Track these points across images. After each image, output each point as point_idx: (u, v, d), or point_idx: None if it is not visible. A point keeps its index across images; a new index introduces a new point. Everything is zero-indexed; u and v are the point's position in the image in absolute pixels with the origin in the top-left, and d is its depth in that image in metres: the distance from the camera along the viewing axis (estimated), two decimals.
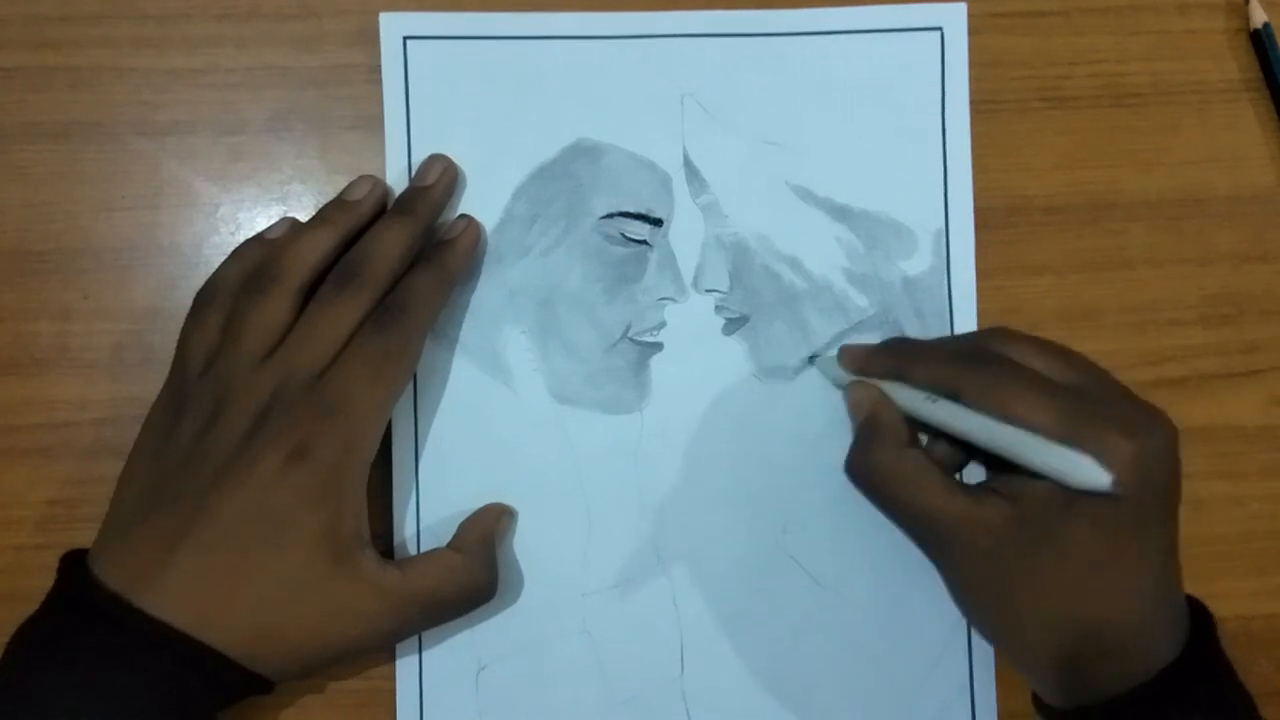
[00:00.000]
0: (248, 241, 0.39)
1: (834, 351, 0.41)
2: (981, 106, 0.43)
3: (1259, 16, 0.43)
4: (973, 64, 0.43)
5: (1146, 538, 0.33)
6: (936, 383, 0.36)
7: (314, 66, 0.42)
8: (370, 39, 0.42)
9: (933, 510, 0.35)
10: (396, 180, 0.41)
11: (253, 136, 0.42)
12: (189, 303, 0.40)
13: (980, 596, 0.35)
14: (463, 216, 0.41)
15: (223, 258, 0.41)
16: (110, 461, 0.37)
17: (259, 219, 0.42)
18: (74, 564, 0.35)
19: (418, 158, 0.41)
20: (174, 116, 0.41)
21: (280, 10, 0.42)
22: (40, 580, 0.36)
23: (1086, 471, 0.32)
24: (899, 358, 0.38)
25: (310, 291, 0.37)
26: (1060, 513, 0.33)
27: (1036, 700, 0.37)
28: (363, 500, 0.36)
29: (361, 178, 0.40)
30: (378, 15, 0.41)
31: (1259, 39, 0.43)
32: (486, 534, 0.39)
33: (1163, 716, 0.33)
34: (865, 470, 0.37)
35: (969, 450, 0.38)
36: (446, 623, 0.39)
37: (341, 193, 0.40)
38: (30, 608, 0.35)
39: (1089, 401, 0.34)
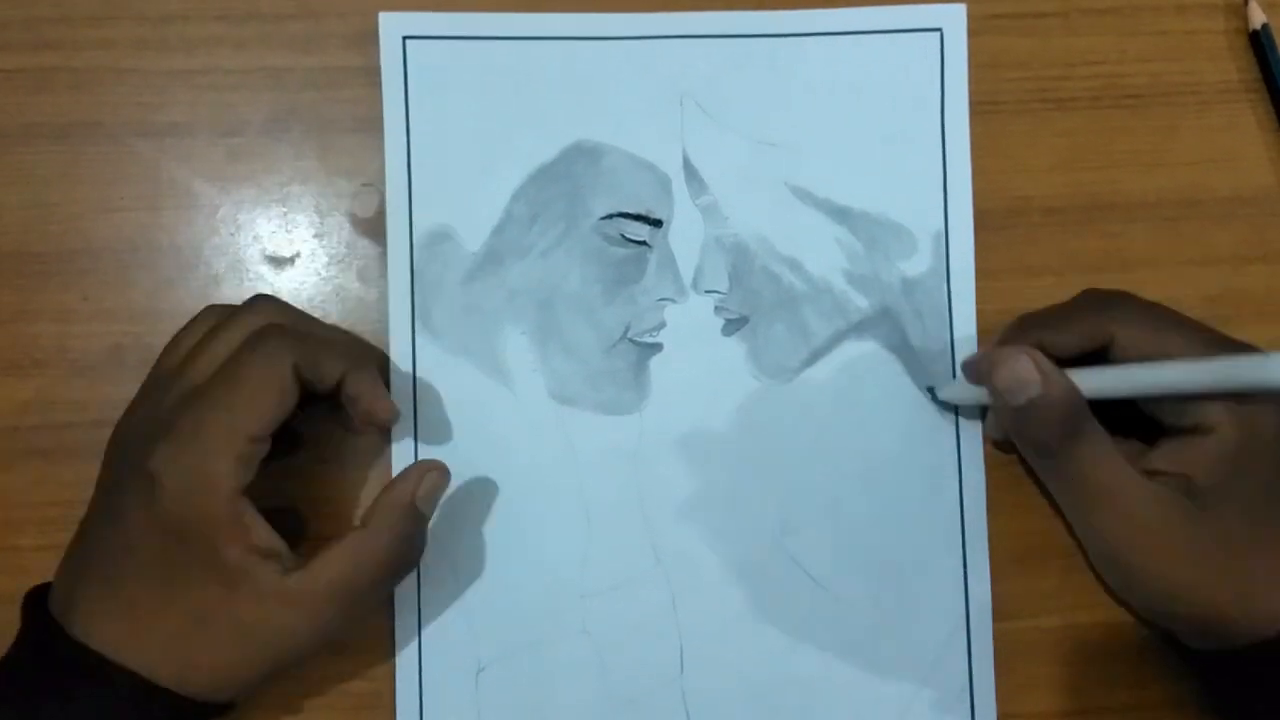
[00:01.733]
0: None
1: (954, 379, 0.41)
2: (981, 107, 0.43)
3: (1258, 17, 0.43)
4: (972, 65, 0.43)
5: None
6: (1087, 337, 0.36)
7: (313, 68, 0.42)
8: (370, 40, 0.42)
9: (1113, 484, 0.35)
10: (396, 182, 0.41)
11: (252, 138, 0.42)
12: (188, 304, 0.40)
13: (1142, 567, 0.35)
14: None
15: (222, 258, 0.41)
16: None
17: (258, 220, 0.42)
18: (33, 597, 0.35)
19: (417, 158, 0.41)
20: (173, 118, 0.41)
21: (279, 11, 0.42)
22: (39, 581, 0.36)
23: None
24: (1039, 330, 0.37)
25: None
26: (1230, 477, 0.34)
27: (1170, 643, 0.38)
28: (242, 523, 0.33)
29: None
30: (377, 16, 0.41)
31: (1258, 40, 0.43)
32: (399, 503, 0.35)
33: None
34: (1056, 453, 0.35)
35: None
36: (379, 605, 0.38)
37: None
38: None
39: (1220, 339, 0.35)
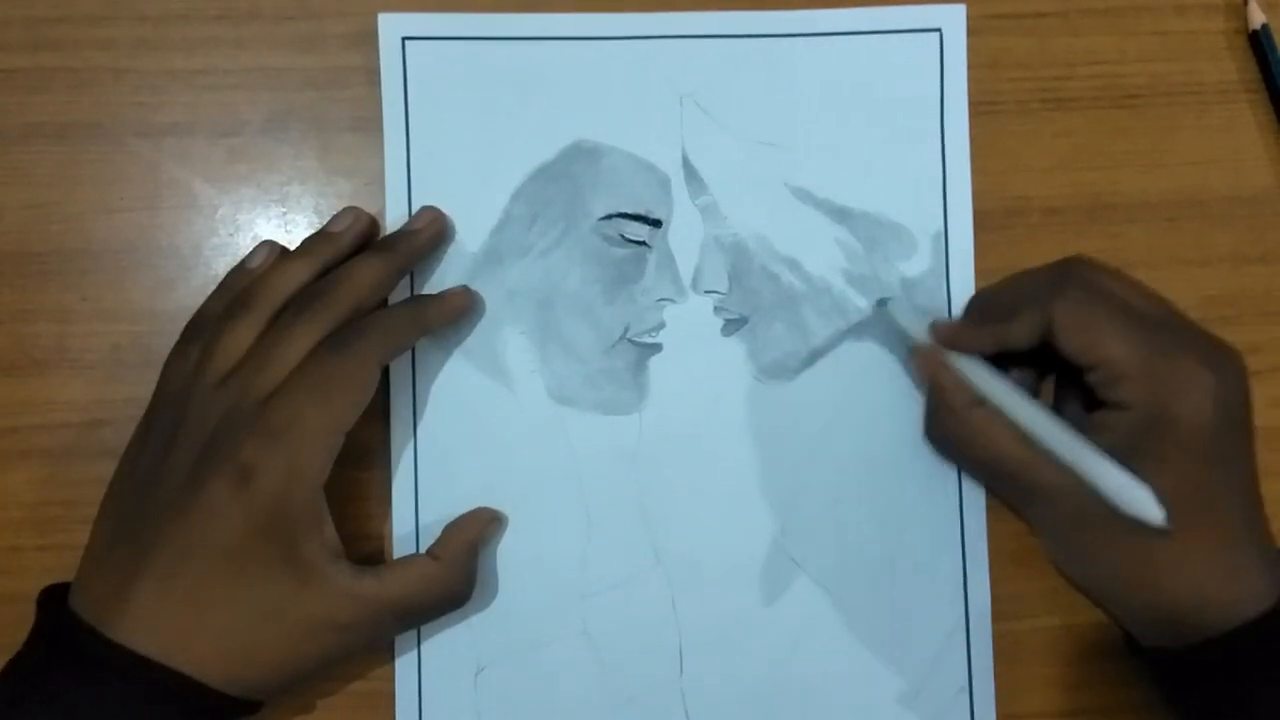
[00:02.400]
0: (232, 272, 0.39)
1: (906, 300, 0.41)
2: (981, 108, 0.43)
3: (1257, 18, 0.43)
4: (972, 65, 0.43)
5: (1232, 471, 0.35)
6: (1035, 326, 0.36)
7: (312, 68, 0.42)
8: (369, 41, 0.42)
9: (1011, 461, 0.36)
10: (395, 182, 0.41)
11: (251, 138, 0.42)
12: (188, 304, 0.40)
13: (1069, 545, 0.36)
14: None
15: (221, 258, 0.41)
16: (108, 462, 0.37)
17: (258, 220, 0.42)
18: (50, 597, 0.36)
19: (417, 159, 0.41)
20: (173, 118, 0.41)
21: (279, 12, 0.42)
22: (39, 581, 0.36)
23: (1141, 504, 0.33)
24: (993, 325, 0.38)
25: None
26: (1142, 452, 0.34)
27: (1126, 641, 0.38)
28: (320, 519, 0.35)
29: (345, 210, 0.40)
30: (376, 16, 0.41)
31: (1257, 40, 0.43)
32: (469, 542, 0.39)
33: (1258, 656, 0.34)
34: (939, 434, 0.38)
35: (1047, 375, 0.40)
36: (419, 626, 0.39)
37: (325, 225, 0.40)
38: (28, 608, 0.35)
39: (1169, 331, 0.35)
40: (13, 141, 0.41)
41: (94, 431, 0.40)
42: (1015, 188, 0.43)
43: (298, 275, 0.38)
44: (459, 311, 0.40)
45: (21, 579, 0.39)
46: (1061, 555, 0.38)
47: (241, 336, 0.36)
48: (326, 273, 0.38)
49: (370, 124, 0.41)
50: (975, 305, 0.40)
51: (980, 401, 0.37)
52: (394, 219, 0.41)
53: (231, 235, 0.42)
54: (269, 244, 0.40)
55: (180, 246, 0.41)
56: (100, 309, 0.41)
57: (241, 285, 0.38)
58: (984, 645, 0.41)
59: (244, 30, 0.42)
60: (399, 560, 0.38)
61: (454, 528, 0.39)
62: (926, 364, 0.39)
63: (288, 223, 0.42)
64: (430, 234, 0.40)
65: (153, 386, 0.38)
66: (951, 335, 0.39)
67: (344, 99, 0.42)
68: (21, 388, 0.41)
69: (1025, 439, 0.36)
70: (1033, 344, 0.36)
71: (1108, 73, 0.43)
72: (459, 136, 0.41)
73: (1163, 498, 0.33)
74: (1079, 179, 0.43)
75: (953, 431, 0.38)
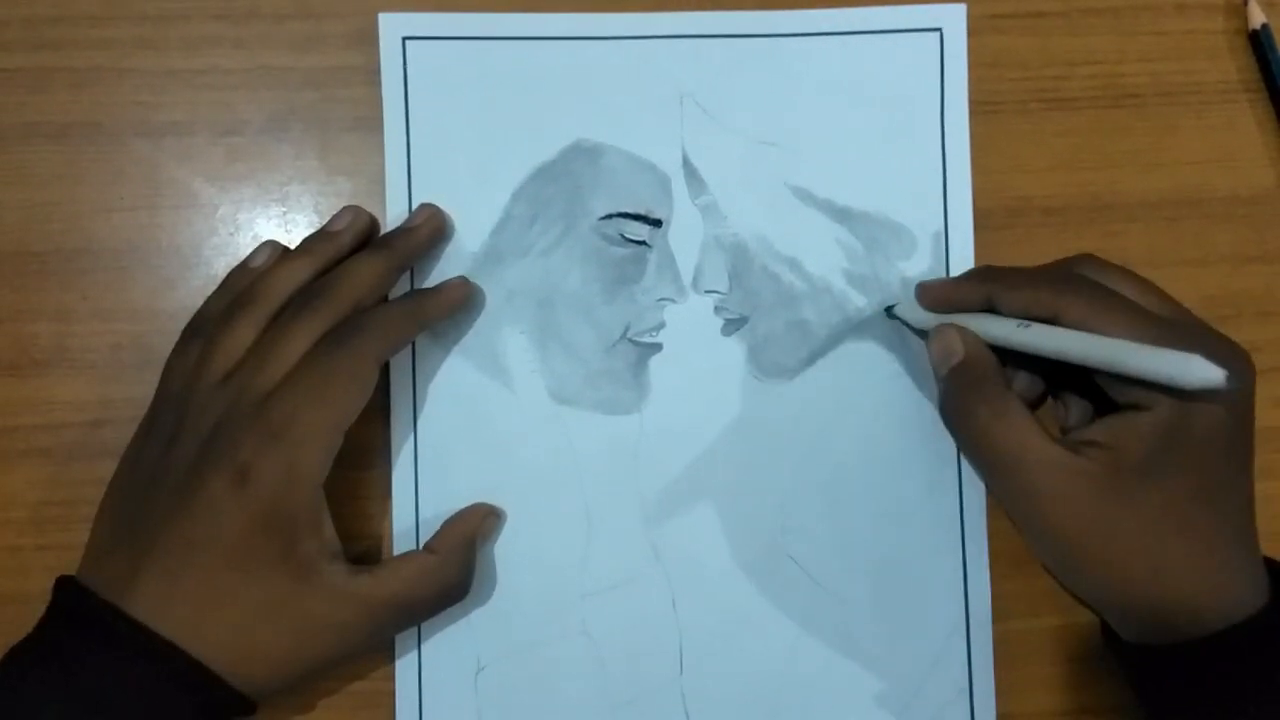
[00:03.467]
0: (234, 271, 0.40)
1: (911, 297, 0.40)
2: (981, 107, 0.43)
3: (1257, 17, 0.43)
4: (972, 65, 0.43)
5: (1237, 475, 0.34)
6: (1033, 307, 0.35)
7: (313, 67, 0.42)
8: (369, 40, 0.42)
9: (1030, 456, 0.35)
10: (396, 182, 0.41)
11: (251, 137, 0.42)
12: (188, 303, 0.40)
13: (1068, 543, 0.35)
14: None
15: (221, 258, 0.41)
16: (108, 462, 0.37)
17: (258, 220, 0.42)
18: (67, 583, 0.35)
19: (417, 158, 0.41)
20: (173, 117, 0.41)
21: (279, 11, 0.42)
22: (39, 581, 0.36)
23: (1200, 369, 0.31)
24: (991, 284, 0.37)
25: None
26: (1160, 456, 0.33)
27: (1106, 635, 0.38)
28: (319, 517, 0.35)
29: (345, 209, 0.40)
30: (376, 16, 0.41)
31: (1257, 40, 0.43)
32: (466, 536, 0.39)
33: (1242, 662, 0.33)
34: (964, 418, 0.36)
35: (1052, 382, 0.38)
36: (418, 623, 0.39)
37: (325, 224, 0.40)
38: (28, 608, 0.35)
39: (1183, 329, 0.35)
40: (13, 141, 0.41)
41: (94, 431, 0.40)
42: (1015, 187, 0.43)
43: (298, 274, 0.38)
44: (457, 304, 0.40)
45: (21, 579, 0.39)
46: (1059, 563, 0.37)
47: (242, 335, 0.36)
48: (327, 271, 0.38)
49: (370, 124, 0.41)
50: (974, 272, 0.40)
51: (1009, 385, 0.36)
52: (394, 217, 0.41)
53: (232, 235, 0.42)
54: (271, 244, 0.40)
55: (180, 246, 0.41)
56: (100, 309, 0.41)
57: (243, 284, 0.38)
58: (984, 645, 0.41)
59: (244, 30, 0.42)
60: (395, 557, 0.38)
61: (451, 522, 0.40)
62: (959, 339, 0.37)
63: (288, 222, 0.42)
64: (429, 231, 0.40)
65: (153, 386, 0.38)
66: (942, 289, 0.38)
67: (344, 99, 0.42)
68: (21, 388, 0.41)
69: (1051, 438, 0.35)
70: (1026, 315, 0.36)
71: (1108, 72, 0.43)
72: (459, 136, 0.41)
73: (1179, 499, 0.33)
74: (1079, 179, 0.43)
75: (982, 416, 0.35)
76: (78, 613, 0.34)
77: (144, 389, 0.38)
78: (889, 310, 0.42)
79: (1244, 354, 0.35)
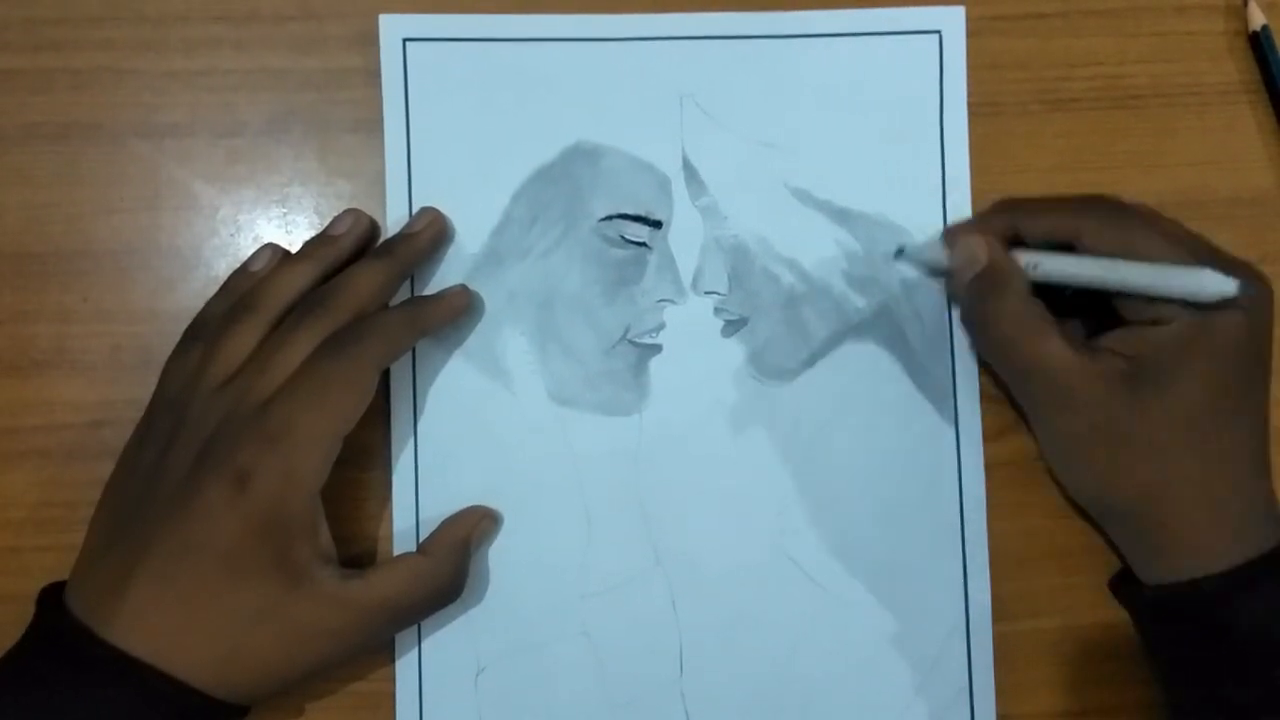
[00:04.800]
0: (234, 274, 0.40)
1: (918, 241, 0.41)
2: (981, 109, 0.43)
3: (1258, 19, 0.43)
4: (972, 66, 0.43)
5: (1251, 395, 0.35)
6: (1056, 230, 0.36)
7: (313, 69, 0.42)
8: (369, 41, 0.42)
9: (1052, 360, 0.35)
10: (396, 184, 0.41)
11: (251, 139, 0.42)
12: (188, 305, 0.40)
13: (1085, 451, 0.36)
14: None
15: (221, 259, 0.41)
16: (108, 463, 0.37)
17: (258, 221, 0.42)
18: (50, 595, 0.35)
19: (418, 160, 0.41)
20: (173, 119, 0.41)
21: (279, 12, 0.42)
22: (38, 581, 0.36)
23: (1212, 281, 0.33)
24: (1013, 213, 0.38)
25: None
26: (1175, 365, 0.34)
27: (1116, 583, 0.38)
28: (315, 523, 0.35)
29: (346, 212, 0.40)
30: (377, 18, 0.41)
31: (1258, 41, 0.43)
32: (459, 539, 0.39)
33: (1247, 609, 0.34)
34: (988, 319, 0.37)
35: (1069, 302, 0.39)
36: (413, 624, 0.39)
37: (325, 228, 0.40)
38: (27, 608, 0.35)
39: (1204, 249, 0.35)
40: (13, 142, 0.41)
41: (94, 432, 0.40)
42: (1016, 189, 0.43)
43: (300, 278, 0.38)
44: (458, 311, 0.40)
45: (21, 579, 0.39)
46: (1075, 469, 0.37)
47: (243, 340, 0.36)
48: (328, 276, 0.38)
49: (370, 125, 0.41)
50: (996, 204, 0.40)
51: (1033, 297, 0.37)
52: (394, 220, 0.41)
53: (232, 236, 0.42)
54: (271, 247, 0.40)
55: (180, 247, 0.41)
56: (100, 310, 0.41)
57: (243, 288, 0.38)
58: (984, 645, 0.42)
59: (244, 31, 0.42)
60: (388, 561, 0.38)
61: (446, 524, 0.40)
62: (983, 245, 0.37)
63: (288, 224, 0.42)
64: (430, 236, 0.40)
65: (153, 387, 0.38)
66: (968, 225, 0.39)
67: (344, 100, 0.42)
68: (21, 388, 0.41)
69: (1072, 341, 0.36)
70: (1051, 238, 0.37)
71: (1108, 74, 0.43)
72: (460, 138, 0.41)
73: (1193, 411, 0.34)
74: (1079, 180, 0.43)
75: (1006, 320, 0.36)
76: (53, 633, 0.34)
77: (144, 390, 0.38)
78: (898, 252, 0.42)
79: (1260, 274, 0.36)
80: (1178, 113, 0.44)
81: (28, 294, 0.41)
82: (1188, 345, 0.34)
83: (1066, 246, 0.37)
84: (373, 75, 0.41)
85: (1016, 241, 0.38)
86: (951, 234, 0.40)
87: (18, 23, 0.41)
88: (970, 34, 0.43)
